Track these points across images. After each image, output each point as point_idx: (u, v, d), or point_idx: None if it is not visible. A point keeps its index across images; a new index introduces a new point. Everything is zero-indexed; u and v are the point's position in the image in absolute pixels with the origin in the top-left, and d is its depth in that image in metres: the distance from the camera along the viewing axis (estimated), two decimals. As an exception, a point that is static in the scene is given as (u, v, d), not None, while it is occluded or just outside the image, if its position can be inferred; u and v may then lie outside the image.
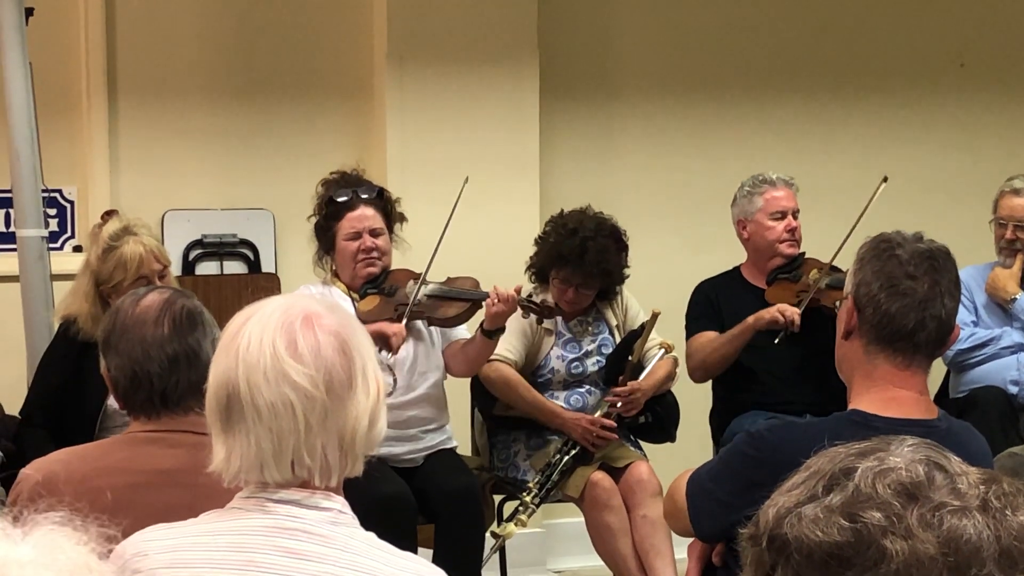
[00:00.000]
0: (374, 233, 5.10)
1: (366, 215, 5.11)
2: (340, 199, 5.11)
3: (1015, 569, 1.33)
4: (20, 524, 1.26)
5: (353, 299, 5.11)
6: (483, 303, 5.02)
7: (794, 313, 5.28)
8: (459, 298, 5.08)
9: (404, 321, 4.99)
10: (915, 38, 7.08)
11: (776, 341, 5.30)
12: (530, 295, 5.33)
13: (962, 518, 1.34)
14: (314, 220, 5.23)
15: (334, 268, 5.20)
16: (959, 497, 1.35)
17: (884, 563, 1.32)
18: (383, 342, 4.90)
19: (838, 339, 3.02)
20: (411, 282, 5.11)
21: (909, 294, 2.89)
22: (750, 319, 5.35)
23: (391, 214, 5.21)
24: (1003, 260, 5.75)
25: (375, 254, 5.10)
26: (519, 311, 5.09)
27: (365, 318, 5.01)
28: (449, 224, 5.08)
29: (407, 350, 5.10)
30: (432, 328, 5.21)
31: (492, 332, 5.07)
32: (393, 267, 5.19)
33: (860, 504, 1.35)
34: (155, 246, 4.83)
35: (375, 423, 2.14)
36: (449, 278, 5.18)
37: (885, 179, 5.46)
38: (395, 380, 5.03)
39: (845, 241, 5.33)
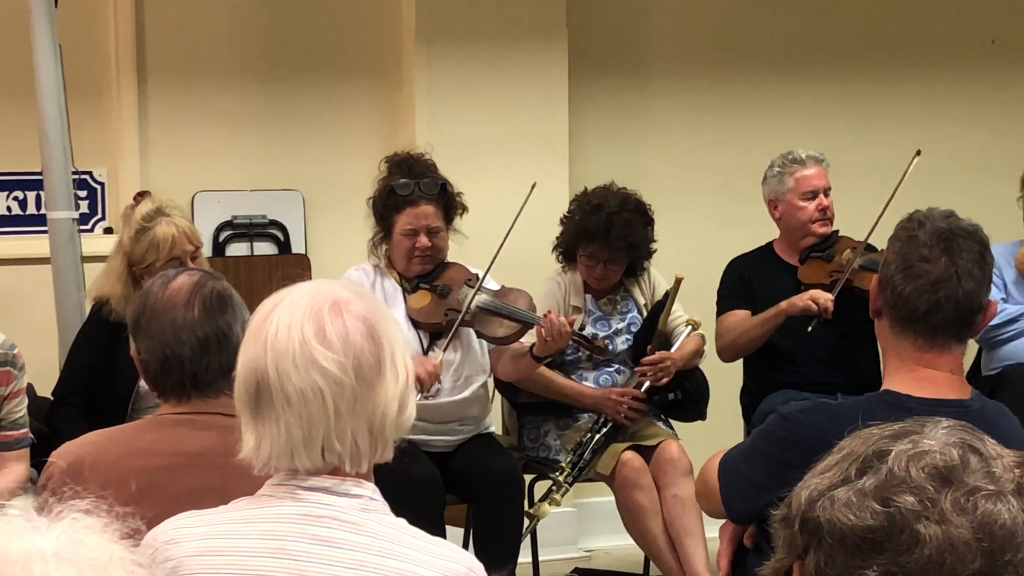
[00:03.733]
0: (431, 232, 5.03)
1: (425, 213, 5.02)
2: (401, 192, 5.03)
3: (1050, 554, 1.32)
4: (45, 513, 1.25)
5: (405, 289, 5.09)
6: (534, 327, 4.96)
7: (827, 300, 5.25)
8: (511, 317, 5.00)
9: (439, 357, 4.94)
10: (946, 15, 7.04)
11: (809, 329, 5.27)
12: (582, 327, 5.31)
13: (996, 503, 1.32)
14: (372, 200, 5.13)
15: (389, 254, 5.14)
16: (994, 481, 1.34)
17: (917, 548, 1.31)
18: (416, 382, 4.86)
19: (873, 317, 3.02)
20: (465, 285, 5.04)
21: (922, 276, 2.87)
22: (783, 304, 5.33)
23: (452, 208, 5.13)
24: (1032, 237, 5.71)
25: (430, 252, 5.06)
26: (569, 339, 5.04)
27: (415, 316, 5.00)
28: (511, 232, 5.03)
29: (453, 353, 5.06)
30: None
31: (542, 357, 5.04)
32: (449, 259, 5.14)
33: (893, 488, 1.34)
34: (188, 227, 4.84)
35: (404, 408, 2.14)
36: (503, 288, 5.11)
37: (918, 153, 5.42)
38: (440, 381, 5.02)
39: (879, 219, 5.30)
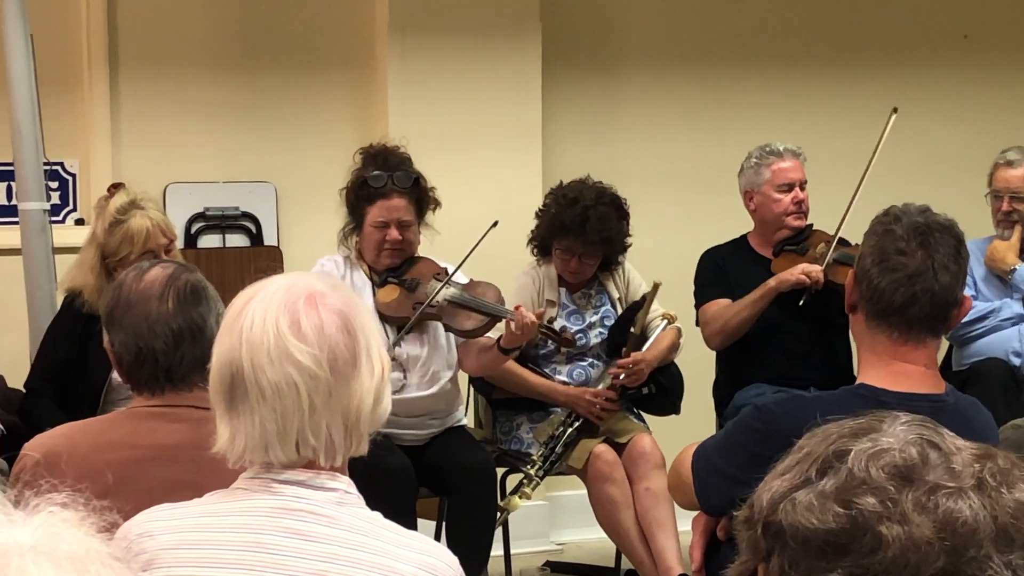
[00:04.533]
0: (402, 225, 5.01)
1: (397, 206, 5.00)
2: (374, 185, 5.01)
3: (1012, 547, 1.32)
4: (21, 506, 1.25)
5: (374, 282, 5.09)
6: (502, 319, 4.95)
7: (818, 272, 5.25)
8: (479, 310, 4.98)
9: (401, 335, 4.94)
10: (919, 10, 7.07)
11: (801, 303, 5.26)
12: (551, 320, 5.32)
13: (957, 500, 1.32)
14: (345, 190, 5.11)
15: (359, 246, 5.13)
16: (954, 477, 1.34)
17: (881, 549, 1.31)
18: None
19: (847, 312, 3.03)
20: (433, 279, 5.03)
21: (899, 269, 2.88)
22: (771, 281, 5.31)
23: (424, 202, 5.11)
24: (1001, 232, 5.73)
25: (400, 246, 5.03)
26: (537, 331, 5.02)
27: (383, 310, 5.00)
28: (471, 253, 5.00)
29: (420, 349, 5.07)
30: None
31: (509, 350, 5.04)
32: (418, 254, 5.13)
33: (854, 489, 1.34)
34: (162, 220, 4.84)
35: (380, 402, 2.14)
36: (472, 281, 5.10)
37: (895, 110, 5.40)
38: (405, 377, 5.01)
39: (851, 205, 5.31)
